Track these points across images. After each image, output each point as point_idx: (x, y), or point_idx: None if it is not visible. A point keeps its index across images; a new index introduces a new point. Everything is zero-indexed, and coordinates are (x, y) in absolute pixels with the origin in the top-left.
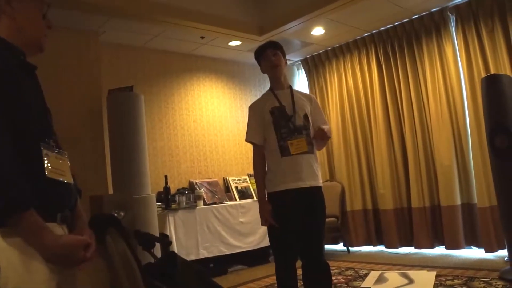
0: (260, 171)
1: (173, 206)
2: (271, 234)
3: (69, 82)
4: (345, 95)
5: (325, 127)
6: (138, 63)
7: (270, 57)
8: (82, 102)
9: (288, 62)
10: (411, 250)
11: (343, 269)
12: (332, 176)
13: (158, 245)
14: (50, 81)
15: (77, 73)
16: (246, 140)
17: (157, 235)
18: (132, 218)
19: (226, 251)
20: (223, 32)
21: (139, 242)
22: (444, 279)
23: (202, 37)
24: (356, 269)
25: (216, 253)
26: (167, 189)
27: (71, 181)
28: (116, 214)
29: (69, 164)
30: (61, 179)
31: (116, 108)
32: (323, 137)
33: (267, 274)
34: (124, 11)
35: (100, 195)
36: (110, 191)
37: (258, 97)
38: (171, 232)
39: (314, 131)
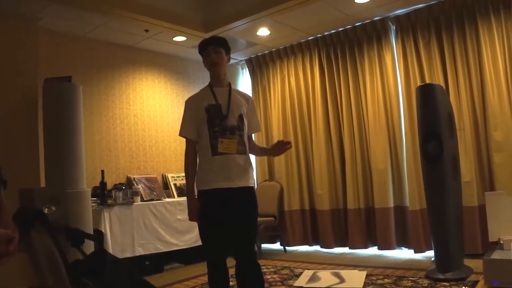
0: (190, 167)
1: (109, 201)
2: (199, 232)
3: (2, 68)
4: (287, 97)
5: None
6: (78, 53)
7: (211, 55)
8: (16, 91)
9: (233, 61)
10: (345, 250)
11: (279, 268)
12: (271, 176)
13: (93, 242)
14: None
15: (12, 59)
16: (180, 135)
17: (91, 231)
18: (65, 213)
19: (163, 249)
20: (168, 27)
21: (68, 238)
22: (375, 278)
23: (146, 30)
24: (292, 268)
25: (152, 250)
26: (103, 184)
27: None
28: (47, 209)
29: None
30: None
31: (52, 98)
32: (281, 151)
33: (203, 272)
34: None
35: (31, 188)
36: (43, 184)
37: None
38: (106, 228)
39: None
